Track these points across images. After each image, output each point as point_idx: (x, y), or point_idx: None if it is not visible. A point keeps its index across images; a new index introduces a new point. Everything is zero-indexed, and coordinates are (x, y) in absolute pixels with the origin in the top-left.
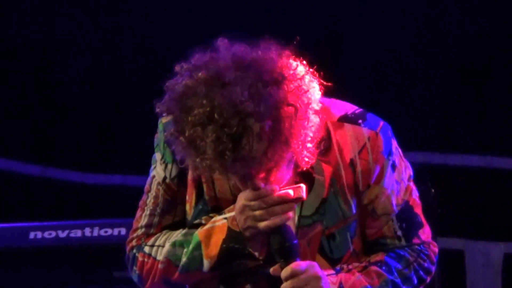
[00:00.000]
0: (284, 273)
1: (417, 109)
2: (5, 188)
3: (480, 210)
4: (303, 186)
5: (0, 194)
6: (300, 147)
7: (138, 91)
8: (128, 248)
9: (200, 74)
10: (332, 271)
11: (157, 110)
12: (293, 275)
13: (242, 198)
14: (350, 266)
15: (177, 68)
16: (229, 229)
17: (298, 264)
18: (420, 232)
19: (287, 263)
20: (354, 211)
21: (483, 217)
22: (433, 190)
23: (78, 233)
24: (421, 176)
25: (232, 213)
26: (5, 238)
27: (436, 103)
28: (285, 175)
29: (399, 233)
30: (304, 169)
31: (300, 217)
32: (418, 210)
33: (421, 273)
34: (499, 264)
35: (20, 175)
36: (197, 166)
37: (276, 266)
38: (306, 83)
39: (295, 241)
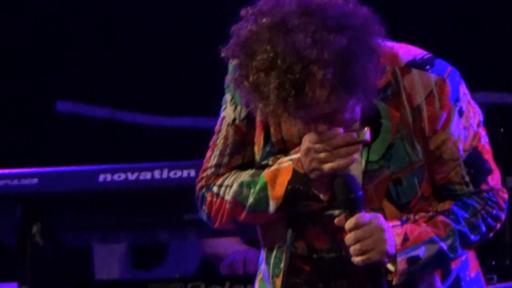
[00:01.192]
0: (348, 224)
1: (486, 49)
2: (74, 131)
3: None
4: (367, 129)
5: (68, 137)
6: (364, 93)
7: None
8: (197, 187)
9: (264, 19)
10: (397, 222)
11: (223, 54)
12: (357, 226)
13: (307, 141)
14: (416, 217)
15: (243, 12)
16: (294, 170)
17: (362, 216)
18: (489, 178)
19: (351, 214)
20: (420, 156)
21: None
22: (502, 130)
23: (147, 175)
24: (490, 115)
25: (298, 155)
26: (74, 181)
27: (504, 42)
28: (350, 120)
29: (467, 179)
30: (371, 114)
31: (367, 162)
32: (488, 156)
33: (490, 220)
34: None
35: (89, 118)
36: (262, 111)
37: (341, 217)
38: (371, 29)
39: (360, 193)
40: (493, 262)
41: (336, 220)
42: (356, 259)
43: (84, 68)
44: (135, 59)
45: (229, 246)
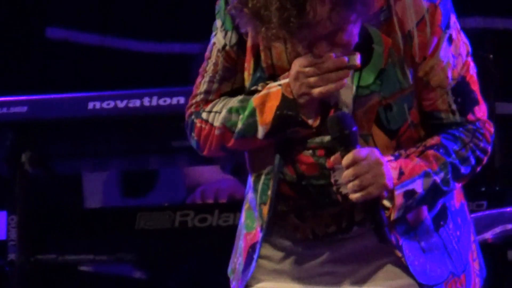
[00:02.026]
0: (346, 160)
1: None
2: (64, 58)
3: None
4: (357, 54)
5: (59, 64)
6: (364, 7)
7: None
8: (187, 114)
9: None
10: (391, 157)
11: None
12: (355, 162)
13: (297, 65)
14: (408, 152)
15: None
16: (283, 95)
17: (359, 151)
18: (476, 109)
19: (347, 151)
20: (411, 82)
21: None
22: (491, 56)
23: (137, 102)
24: (480, 41)
25: (287, 80)
26: (64, 108)
27: None
28: (350, 43)
29: (454, 107)
30: (361, 40)
31: (358, 87)
32: (475, 87)
33: (478, 153)
34: None
35: (79, 44)
36: (262, 36)
37: (337, 155)
38: None
39: (355, 128)
40: (483, 188)
41: (332, 158)
42: (355, 196)
43: None
44: None
45: (207, 175)
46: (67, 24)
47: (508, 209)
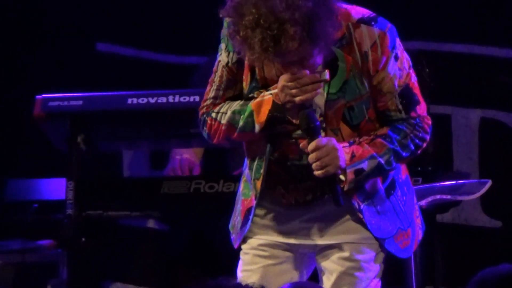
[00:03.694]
0: (310, 147)
1: (415, 4)
2: (109, 65)
3: (464, 83)
4: (327, 71)
5: (105, 70)
6: (325, 44)
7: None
8: (200, 113)
9: None
10: (346, 144)
11: (220, 14)
12: (317, 148)
13: (283, 80)
14: (361, 140)
15: None
16: (273, 102)
17: (320, 140)
18: (417, 107)
19: (312, 139)
20: (367, 89)
21: (465, 88)
22: (427, 70)
23: (163, 99)
24: (418, 58)
25: (275, 90)
26: (109, 103)
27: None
28: (315, 64)
29: (400, 107)
30: (330, 59)
31: (327, 94)
32: (417, 91)
33: (417, 141)
34: (477, 125)
35: (121, 55)
36: (249, 57)
37: (304, 142)
38: None
39: (318, 123)
40: (419, 168)
41: (300, 145)
42: (317, 173)
43: (119, 14)
44: (155, 6)
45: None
46: (112, 40)
47: (437, 184)
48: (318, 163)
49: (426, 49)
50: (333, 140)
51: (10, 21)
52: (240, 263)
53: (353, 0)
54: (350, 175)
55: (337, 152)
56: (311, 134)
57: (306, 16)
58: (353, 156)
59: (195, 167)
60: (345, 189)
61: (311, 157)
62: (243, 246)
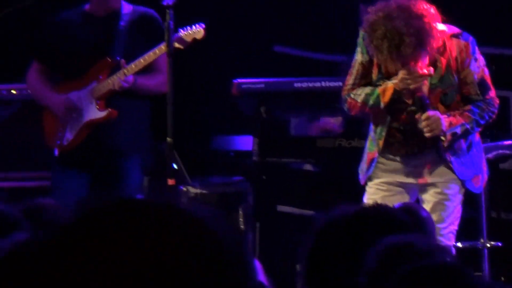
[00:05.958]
0: (423, 117)
1: (488, 23)
2: (284, 63)
3: None
4: (431, 68)
5: (283, 65)
6: (430, 50)
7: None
8: (342, 94)
9: (380, 13)
10: (445, 116)
11: (360, 29)
12: (427, 118)
13: (401, 73)
14: (454, 113)
15: (369, 9)
16: (394, 89)
17: (429, 112)
18: (490, 92)
19: (424, 111)
20: (456, 81)
21: None
22: (493, 66)
23: (318, 84)
24: (487, 60)
25: (395, 81)
26: (282, 86)
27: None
28: (423, 63)
29: (478, 92)
30: (432, 60)
31: (430, 84)
32: (489, 81)
33: (490, 113)
34: None
35: (290, 55)
36: (379, 58)
37: (419, 114)
38: (434, 18)
39: (428, 101)
40: (487, 132)
41: (416, 116)
42: (427, 134)
43: (290, 24)
44: (313, 21)
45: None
46: (285, 43)
47: (499, 143)
48: (428, 128)
49: (494, 52)
50: (438, 113)
51: (218, 20)
52: (365, 194)
53: (448, 22)
54: (448, 136)
55: (440, 121)
56: (424, 108)
57: (418, 31)
58: (450, 123)
59: (336, 129)
60: (444, 145)
61: (423, 124)
62: (369, 183)
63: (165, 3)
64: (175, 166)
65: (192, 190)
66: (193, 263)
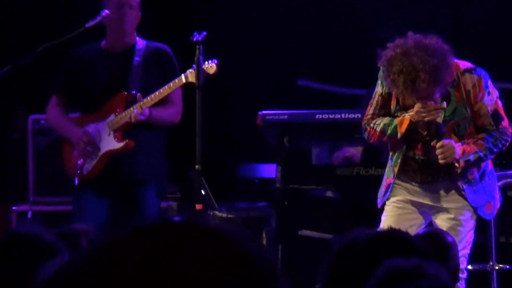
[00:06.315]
0: (438, 145)
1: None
2: (306, 96)
3: None
4: (445, 102)
5: (306, 97)
6: (444, 85)
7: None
8: (363, 123)
9: (398, 50)
10: (460, 144)
11: (378, 64)
12: (442, 146)
13: (416, 107)
14: (468, 141)
15: (388, 45)
16: (410, 120)
17: (445, 141)
18: (503, 122)
19: (439, 140)
20: (469, 113)
21: None
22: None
23: (339, 116)
24: (502, 94)
25: (411, 113)
26: (304, 117)
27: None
28: (437, 97)
29: (492, 122)
30: (445, 94)
31: (444, 116)
32: (502, 112)
33: (503, 141)
34: None
35: (312, 88)
36: (396, 91)
37: (434, 141)
38: (448, 54)
39: (443, 129)
40: (497, 161)
41: (432, 143)
42: (441, 161)
43: (313, 60)
44: (331, 56)
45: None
46: (307, 77)
47: (509, 172)
48: (442, 155)
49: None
50: (453, 141)
51: (240, 53)
52: (384, 212)
53: (460, 57)
54: (462, 163)
55: (454, 149)
56: (439, 137)
57: (433, 68)
58: (464, 152)
59: (356, 158)
60: (458, 171)
61: (438, 151)
62: (386, 202)
63: (195, 39)
64: (202, 191)
65: (218, 214)
66: (233, 282)
